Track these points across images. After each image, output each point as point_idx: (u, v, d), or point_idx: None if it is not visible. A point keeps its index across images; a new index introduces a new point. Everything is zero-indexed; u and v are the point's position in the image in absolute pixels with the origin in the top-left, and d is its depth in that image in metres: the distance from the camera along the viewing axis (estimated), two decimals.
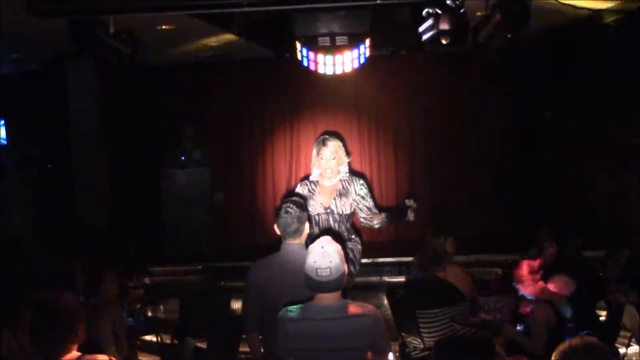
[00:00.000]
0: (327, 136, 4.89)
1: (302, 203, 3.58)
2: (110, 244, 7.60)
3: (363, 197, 4.86)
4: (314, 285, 2.89)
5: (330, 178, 4.80)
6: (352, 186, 4.85)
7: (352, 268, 4.78)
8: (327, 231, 4.49)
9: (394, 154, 9.16)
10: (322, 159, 4.79)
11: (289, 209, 3.46)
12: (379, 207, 5.09)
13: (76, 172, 8.04)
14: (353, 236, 4.97)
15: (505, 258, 7.48)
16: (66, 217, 7.95)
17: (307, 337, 2.88)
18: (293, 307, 2.96)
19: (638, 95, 6.78)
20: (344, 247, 3.93)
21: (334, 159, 4.78)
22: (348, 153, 4.98)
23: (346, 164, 4.88)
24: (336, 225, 4.78)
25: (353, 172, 5.09)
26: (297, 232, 3.46)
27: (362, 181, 4.93)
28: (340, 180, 4.84)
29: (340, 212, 4.82)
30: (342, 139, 5.02)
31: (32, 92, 8.33)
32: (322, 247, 2.90)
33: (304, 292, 3.00)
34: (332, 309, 2.90)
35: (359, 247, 5.00)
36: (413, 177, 9.12)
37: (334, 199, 4.82)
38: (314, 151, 4.86)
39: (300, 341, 2.89)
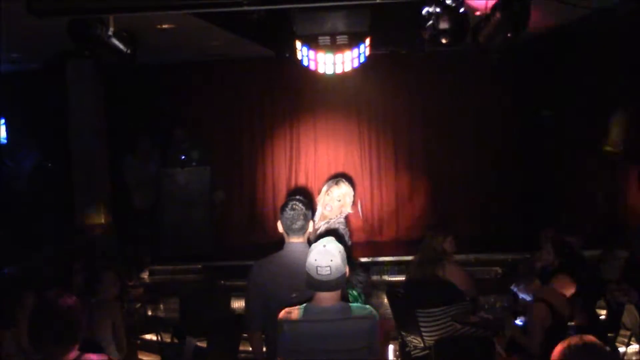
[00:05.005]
0: (342, 179, 4.87)
1: (307, 201, 3.56)
2: (109, 243, 7.61)
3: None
4: (313, 284, 2.89)
5: (326, 219, 4.74)
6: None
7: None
8: (331, 232, 4.47)
9: (394, 153, 9.15)
10: (328, 195, 4.76)
11: (295, 206, 3.44)
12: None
13: (76, 171, 8.03)
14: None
15: (505, 258, 7.49)
16: (66, 216, 7.95)
17: (306, 338, 2.87)
18: (293, 309, 2.95)
19: (638, 94, 6.79)
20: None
21: (339, 201, 4.76)
22: (353, 203, 4.94)
23: (346, 214, 4.83)
24: None
25: (348, 223, 4.96)
26: (302, 229, 3.44)
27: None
28: (324, 225, 4.70)
29: None
30: (353, 188, 4.97)
31: (32, 92, 8.33)
32: (324, 246, 2.90)
33: (307, 291, 2.99)
34: (332, 311, 2.89)
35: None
36: (413, 176, 9.12)
37: None
38: (324, 187, 4.83)
39: (299, 342, 2.88)
